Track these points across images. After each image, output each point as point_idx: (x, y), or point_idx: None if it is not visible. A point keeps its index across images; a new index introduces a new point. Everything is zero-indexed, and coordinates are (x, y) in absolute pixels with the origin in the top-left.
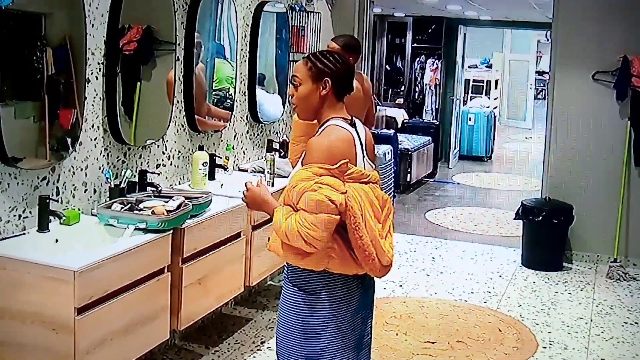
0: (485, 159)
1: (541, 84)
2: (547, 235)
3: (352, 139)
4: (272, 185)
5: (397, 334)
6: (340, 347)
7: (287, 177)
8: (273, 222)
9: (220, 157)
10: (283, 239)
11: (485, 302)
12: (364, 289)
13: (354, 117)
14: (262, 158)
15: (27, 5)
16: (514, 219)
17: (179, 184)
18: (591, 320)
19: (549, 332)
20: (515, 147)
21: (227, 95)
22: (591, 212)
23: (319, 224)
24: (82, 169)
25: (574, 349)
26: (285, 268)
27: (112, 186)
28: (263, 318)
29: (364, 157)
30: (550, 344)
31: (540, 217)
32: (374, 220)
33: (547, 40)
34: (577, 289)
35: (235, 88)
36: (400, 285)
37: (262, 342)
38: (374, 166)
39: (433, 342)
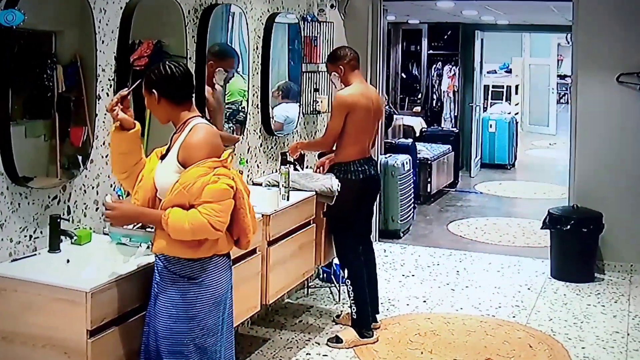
0: (509, 167)
1: (563, 88)
2: (577, 245)
3: (217, 132)
4: (287, 199)
5: (422, 352)
6: (216, 326)
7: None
8: (170, 224)
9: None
10: (184, 237)
11: (513, 317)
12: (229, 270)
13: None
14: (276, 171)
15: (37, 24)
16: (541, 228)
17: None
18: (628, 334)
19: (583, 348)
20: (539, 153)
21: (240, 108)
22: (622, 219)
23: (225, 210)
24: (93, 187)
25: None
26: (164, 261)
27: None
28: (281, 338)
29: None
30: None
31: (569, 226)
32: (247, 198)
33: (568, 43)
34: (610, 301)
35: (248, 101)
36: (424, 301)
37: None
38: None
39: None
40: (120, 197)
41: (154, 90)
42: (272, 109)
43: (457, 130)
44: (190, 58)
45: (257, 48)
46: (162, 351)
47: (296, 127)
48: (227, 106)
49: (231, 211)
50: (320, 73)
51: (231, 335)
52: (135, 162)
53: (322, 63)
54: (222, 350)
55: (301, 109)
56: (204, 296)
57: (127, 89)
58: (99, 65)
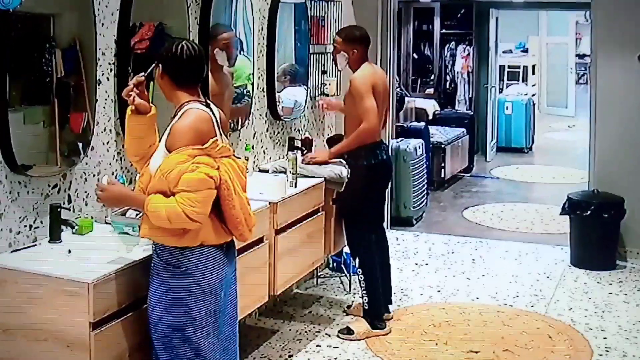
0: (526, 151)
1: (582, 68)
2: (597, 231)
3: (211, 118)
4: (295, 186)
5: (436, 344)
6: (206, 318)
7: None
8: (149, 211)
9: (239, 158)
10: (163, 224)
11: (532, 307)
12: (228, 261)
13: (207, 99)
14: (283, 157)
15: (35, 7)
16: (560, 214)
17: None
18: None
19: (605, 338)
20: (557, 136)
21: (245, 92)
22: None
23: (202, 200)
24: (94, 175)
25: (634, 356)
26: (154, 246)
27: None
28: (290, 329)
29: (221, 134)
30: (607, 351)
31: (589, 212)
32: (241, 189)
33: (587, 20)
34: (633, 289)
35: (253, 84)
36: (439, 291)
37: (289, 355)
38: (228, 141)
39: (476, 352)
40: (124, 184)
41: (159, 65)
42: (278, 92)
43: (472, 113)
44: (192, 40)
45: (262, 29)
46: (154, 340)
47: (304, 111)
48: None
49: (217, 202)
50: (329, 55)
51: (233, 331)
52: (149, 145)
53: (330, 44)
54: (216, 345)
55: (308, 92)
56: (189, 285)
57: (143, 73)
58: (99, 49)
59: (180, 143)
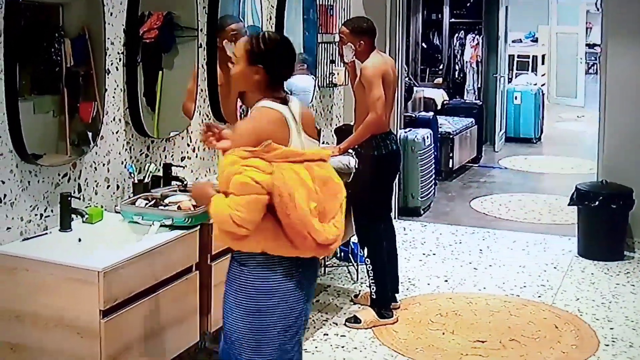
0: (535, 141)
1: (592, 58)
2: (606, 222)
3: (283, 118)
4: None
5: (443, 333)
6: (280, 331)
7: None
8: (211, 212)
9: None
10: (219, 225)
11: (539, 297)
12: (306, 278)
13: (287, 95)
14: None
15: None
16: (568, 205)
17: (205, 177)
18: None
19: (611, 328)
20: (566, 126)
21: None
22: None
23: (245, 205)
24: (104, 164)
25: None
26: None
27: (136, 181)
28: None
29: (299, 134)
30: (613, 342)
31: (597, 202)
32: (306, 199)
33: (598, 10)
34: None
35: None
36: (446, 281)
37: None
38: (317, 143)
39: (483, 341)
40: (131, 174)
41: (261, 67)
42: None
43: (481, 103)
44: (201, 30)
45: (270, 18)
46: (225, 344)
47: (312, 101)
48: None
49: (270, 210)
50: (337, 44)
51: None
52: None
53: (338, 33)
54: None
55: (316, 81)
56: (252, 285)
57: (211, 121)
58: (108, 39)
59: (240, 142)
